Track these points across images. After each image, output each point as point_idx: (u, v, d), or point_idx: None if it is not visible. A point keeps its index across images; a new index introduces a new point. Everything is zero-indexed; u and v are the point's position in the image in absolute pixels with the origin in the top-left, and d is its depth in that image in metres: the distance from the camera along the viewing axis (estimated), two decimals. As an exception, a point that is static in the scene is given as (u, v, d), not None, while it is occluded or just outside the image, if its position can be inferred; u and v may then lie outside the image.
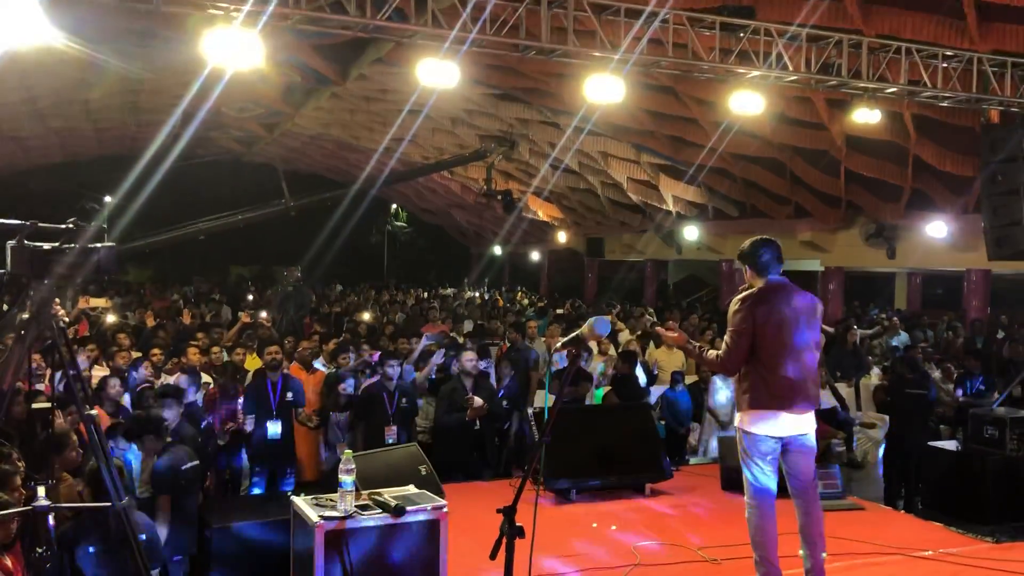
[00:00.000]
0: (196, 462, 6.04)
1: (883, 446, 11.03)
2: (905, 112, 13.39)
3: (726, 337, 4.80)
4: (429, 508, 4.41)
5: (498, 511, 3.19)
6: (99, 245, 3.33)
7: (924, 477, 9.15)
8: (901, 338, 14.67)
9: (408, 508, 4.34)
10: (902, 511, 7.44)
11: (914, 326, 16.31)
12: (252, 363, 9.38)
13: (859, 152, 15.63)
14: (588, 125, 17.54)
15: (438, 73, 8.16)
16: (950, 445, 8.95)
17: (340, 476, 4.29)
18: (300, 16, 7.28)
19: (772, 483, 4.79)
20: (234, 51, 7.25)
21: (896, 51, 9.19)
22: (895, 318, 16.46)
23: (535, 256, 32.77)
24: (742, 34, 8.70)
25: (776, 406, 4.68)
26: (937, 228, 15.85)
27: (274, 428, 7.52)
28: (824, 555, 4.79)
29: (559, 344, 3.61)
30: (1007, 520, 7.41)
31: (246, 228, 29.54)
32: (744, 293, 4.86)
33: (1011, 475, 7.98)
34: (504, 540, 3.17)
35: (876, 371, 12.67)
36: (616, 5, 8.30)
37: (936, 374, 11.21)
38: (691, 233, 21.99)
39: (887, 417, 10.69)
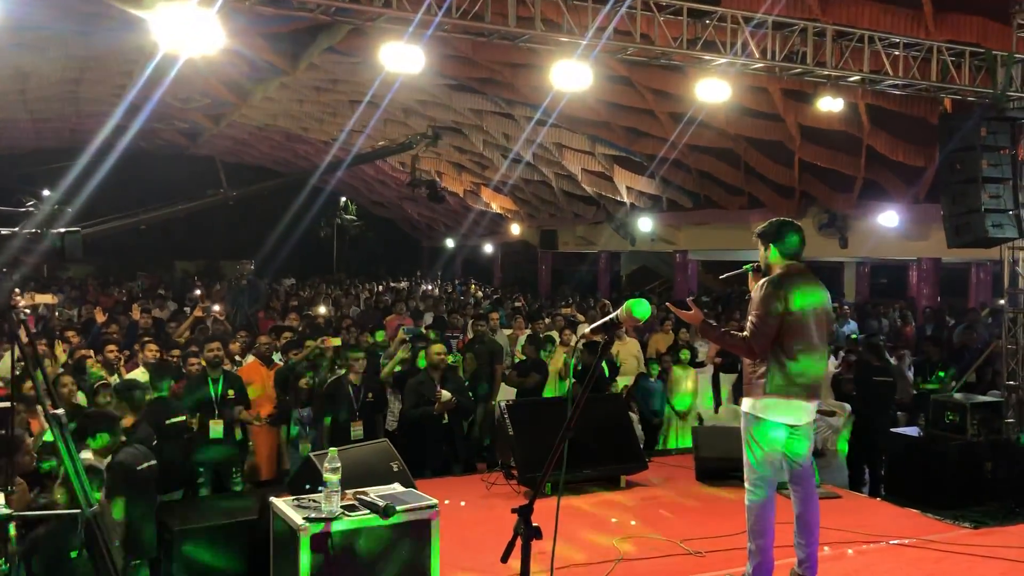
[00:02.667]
0: (153, 461, 5.78)
1: (847, 433, 11.12)
2: (859, 102, 13.52)
3: (751, 318, 4.64)
4: (419, 508, 4.21)
5: (513, 511, 3.00)
6: (63, 230, 3.06)
7: (887, 463, 9.25)
8: (851, 326, 14.85)
9: (398, 508, 4.13)
10: (877, 499, 7.43)
11: (867, 315, 16.54)
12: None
13: (813, 142, 15.75)
14: (545, 117, 17.40)
15: (402, 58, 7.92)
16: (911, 431, 9.05)
17: (325, 475, 4.05)
18: (259, -4, 6.97)
19: (776, 472, 4.72)
20: (190, 34, 6.92)
21: (859, 40, 9.21)
22: (845, 306, 16.67)
23: (488, 249, 32.58)
24: (708, 21, 8.62)
25: (793, 394, 4.60)
26: (889, 218, 16.04)
27: (216, 428, 7.24)
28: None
29: (589, 329, 3.37)
30: (968, 504, 7.52)
31: (190, 223, 28.87)
32: (773, 275, 4.72)
33: (972, 460, 8.10)
34: (519, 541, 2.96)
35: (832, 359, 12.77)
36: (582, -9, 8.16)
37: (892, 361, 11.34)
38: (645, 225, 22.02)
39: (847, 405, 10.78)
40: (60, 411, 3.07)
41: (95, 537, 3.01)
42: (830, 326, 4.88)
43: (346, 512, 4.11)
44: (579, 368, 9.45)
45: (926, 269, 17.46)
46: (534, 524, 2.94)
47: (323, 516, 4.00)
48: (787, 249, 4.76)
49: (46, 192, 26.62)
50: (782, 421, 4.63)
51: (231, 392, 7.43)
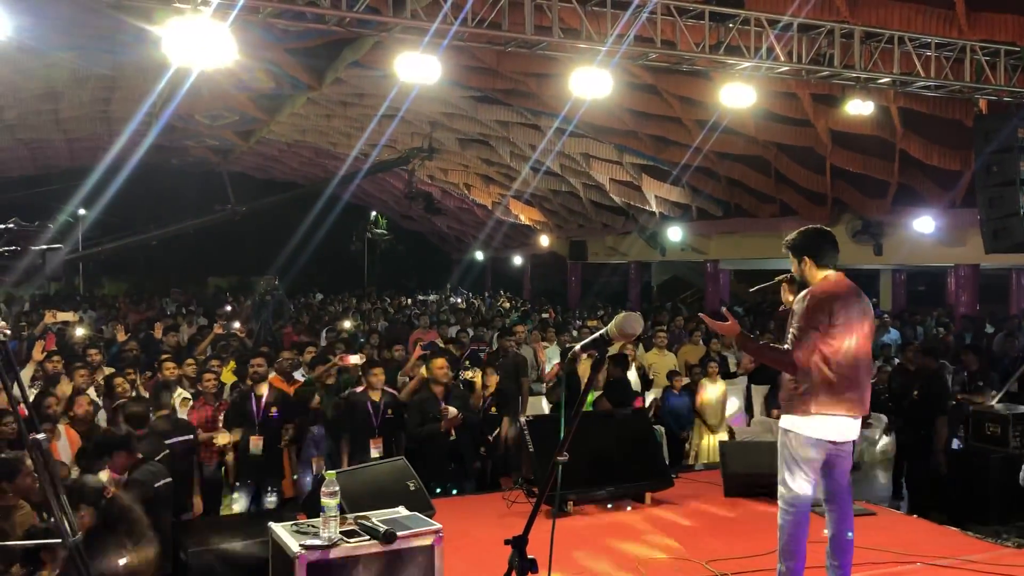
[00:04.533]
0: (169, 479, 5.72)
1: (882, 445, 10.82)
2: (891, 106, 13.20)
3: (793, 331, 4.44)
4: (422, 533, 4.03)
5: (506, 542, 2.82)
6: (43, 247, 2.95)
7: (926, 477, 8.93)
8: (892, 335, 14.48)
9: (399, 534, 3.95)
10: (914, 515, 7.13)
11: (904, 323, 16.15)
12: (227, 376, 9.02)
13: (845, 148, 15.42)
14: (569, 126, 17.27)
15: (418, 68, 7.80)
16: (952, 444, 8.73)
17: (323, 499, 3.89)
18: (272, 9, 6.91)
19: (812, 489, 4.50)
20: (203, 48, 6.86)
21: (888, 41, 8.97)
22: (885, 316, 16.28)
23: (517, 260, 32.48)
24: (731, 25, 8.43)
25: (836, 408, 4.39)
26: (924, 223, 15.64)
27: (256, 444, 7.15)
28: None
29: (578, 347, 3.18)
30: (1011, 519, 7.22)
31: (222, 238, 29.08)
32: (815, 286, 4.50)
33: (1014, 473, 7.77)
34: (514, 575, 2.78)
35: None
36: (601, -4, 8.02)
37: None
38: (675, 234, 21.75)
39: (883, 416, 10.48)
40: (41, 436, 2.96)
41: (78, 566, 2.89)
42: (873, 336, 4.66)
43: (345, 538, 3.95)
44: (608, 381, 9.24)
45: (964, 275, 16.97)
46: (529, 556, 2.76)
47: (321, 543, 3.84)
48: (822, 258, 4.57)
49: (82, 211, 27.04)
50: (826, 438, 4.43)
51: (274, 409, 7.33)
